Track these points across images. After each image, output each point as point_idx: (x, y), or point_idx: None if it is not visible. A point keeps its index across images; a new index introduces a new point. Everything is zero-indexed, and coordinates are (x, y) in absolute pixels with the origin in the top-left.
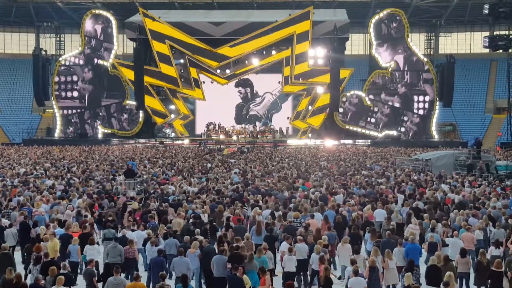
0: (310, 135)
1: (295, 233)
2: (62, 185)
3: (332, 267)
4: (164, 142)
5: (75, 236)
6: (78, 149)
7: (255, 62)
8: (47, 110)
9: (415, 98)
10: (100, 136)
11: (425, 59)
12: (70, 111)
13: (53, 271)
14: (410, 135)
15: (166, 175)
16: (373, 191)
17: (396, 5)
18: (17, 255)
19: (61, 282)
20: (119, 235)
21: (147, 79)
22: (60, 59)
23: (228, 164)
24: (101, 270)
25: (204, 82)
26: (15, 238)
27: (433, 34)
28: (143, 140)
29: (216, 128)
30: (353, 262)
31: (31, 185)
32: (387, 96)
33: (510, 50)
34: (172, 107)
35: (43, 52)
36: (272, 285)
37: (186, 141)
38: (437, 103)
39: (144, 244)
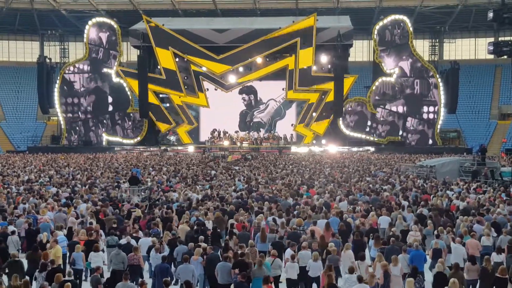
0: (314, 141)
1: (299, 240)
2: (66, 192)
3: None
4: (168, 150)
5: (81, 243)
6: (83, 156)
7: (259, 69)
8: (51, 118)
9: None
10: (104, 143)
11: (430, 66)
12: (74, 119)
13: (59, 278)
14: (414, 141)
15: (170, 182)
16: (377, 198)
17: (400, 11)
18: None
19: None
20: (124, 242)
21: (151, 86)
22: (65, 66)
23: (232, 171)
24: (106, 276)
25: (208, 89)
26: (16, 245)
27: (437, 40)
28: (147, 148)
29: (220, 135)
30: (351, 270)
31: (36, 192)
32: (391, 102)
33: None
34: (176, 115)
35: (48, 60)
36: None
37: (190, 148)
38: (442, 109)
39: (148, 251)
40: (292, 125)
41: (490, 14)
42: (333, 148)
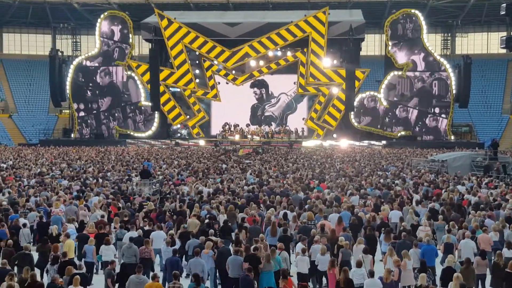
0: (322, 136)
1: (309, 234)
2: (78, 185)
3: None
4: (180, 143)
5: (92, 236)
6: (94, 149)
7: (270, 62)
8: (63, 111)
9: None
10: (116, 136)
11: (442, 60)
12: (86, 112)
13: (70, 270)
14: (426, 136)
15: (181, 175)
16: (389, 192)
17: (412, 5)
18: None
19: (77, 282)
20: (135, 235)
21: (162, 80)
22: (77, 60)
23: (243, 164)
24: (117, 270)
25: (219, 83)
26: (27, 238)
27: (449, 34)
28: (158, 141)
29: (232, 128)
30: (359, 264)
31: (48, 185)
32: (403, 96)
33: None
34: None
35: (60, 53)
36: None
37: (202, 142)
38: (454, 103)
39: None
40: (303, 119)
41: (503, 8)
42: (344, 142)
